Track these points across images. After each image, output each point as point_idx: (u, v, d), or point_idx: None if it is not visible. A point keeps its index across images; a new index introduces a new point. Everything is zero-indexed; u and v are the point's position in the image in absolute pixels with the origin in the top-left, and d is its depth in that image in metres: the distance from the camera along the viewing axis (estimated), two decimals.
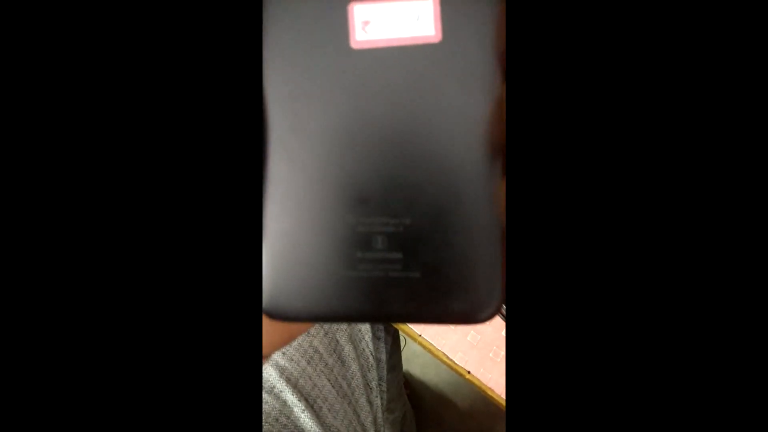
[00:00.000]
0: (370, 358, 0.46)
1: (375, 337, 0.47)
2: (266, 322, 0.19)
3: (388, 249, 0.17)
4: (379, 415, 0.46)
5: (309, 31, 0.17)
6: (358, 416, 0.43)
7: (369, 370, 0.46)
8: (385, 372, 0.47)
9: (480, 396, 0.44)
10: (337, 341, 0.44)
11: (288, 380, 0.40)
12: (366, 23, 0.17)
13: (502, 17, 0.16)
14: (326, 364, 0.42)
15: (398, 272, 0.17)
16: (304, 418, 0.39)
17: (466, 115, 0.17)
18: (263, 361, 0.21)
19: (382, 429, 0.46)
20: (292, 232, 0.17)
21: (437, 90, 0.17)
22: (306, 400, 0.40)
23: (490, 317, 0.17)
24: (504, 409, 0.41)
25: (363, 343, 0.46)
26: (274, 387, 0.40)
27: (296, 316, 0.17)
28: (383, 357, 0.47)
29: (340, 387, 0.43)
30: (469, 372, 0.43)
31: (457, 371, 0.43)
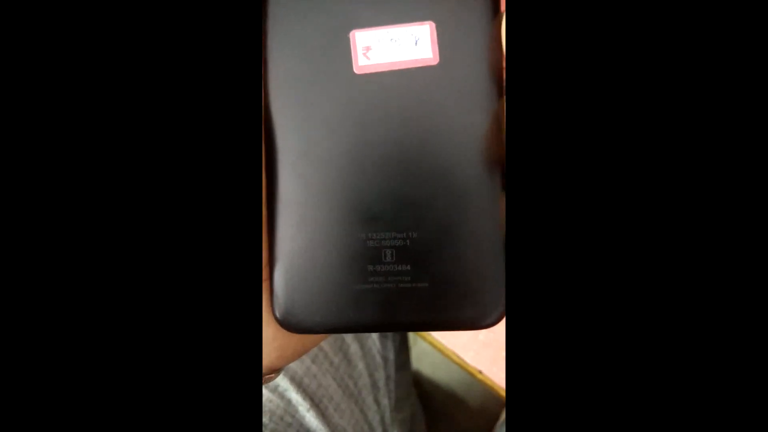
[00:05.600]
0: (377, 357, 0.47)
1: (382, 336, 0.48)
2: (281, 335, 0.20)
3: (397, 262, 0.19)
4: (387, 414, 0.47)
5: (314, 59, 0.19)
6: (365, 416, 0.45)
7: (376, 369, 0.47)
8: (393, 371, 0.48)
9: (492, 395, 0.44)
10: (343, 339, 0.45)
11: (292, 379, 0.41)
12: (367, 49, 0.18)
13: (496, 37, 0.18)
14: (332, 362, 0.43)
15: (408, 283, 0.19)
16: (309, 417, 0.41)
17: (466, 133, 0.19)
18: (277, 374, 0.23)
19: (390, 429, 0.47)
20: (306, 250, 0.19)
21: (438, 110, 0.19)
22: (311, 399, 0.41)
23: (496, 322, 0.19)
24: None
25: (370, 341, 0.47)
26: (278, 385, 0.41)
27: (311, 328, 0.19)
28: (391, 356, 0.48)
29: (346, 386, 0.44)
30: (480, 371, 0.44)
31: (468, 370, 0.44)
